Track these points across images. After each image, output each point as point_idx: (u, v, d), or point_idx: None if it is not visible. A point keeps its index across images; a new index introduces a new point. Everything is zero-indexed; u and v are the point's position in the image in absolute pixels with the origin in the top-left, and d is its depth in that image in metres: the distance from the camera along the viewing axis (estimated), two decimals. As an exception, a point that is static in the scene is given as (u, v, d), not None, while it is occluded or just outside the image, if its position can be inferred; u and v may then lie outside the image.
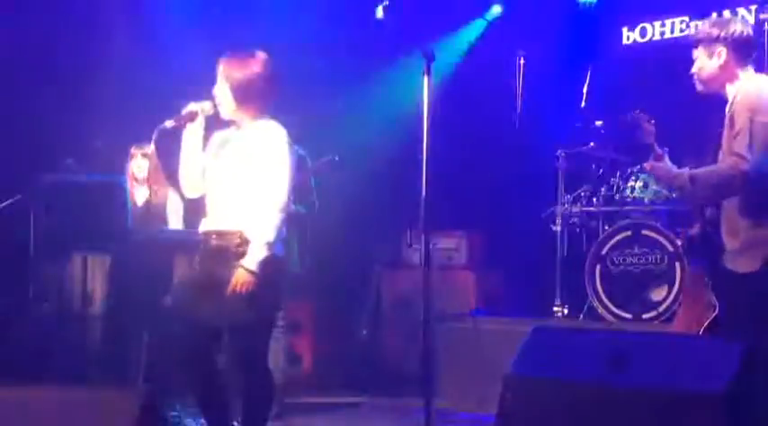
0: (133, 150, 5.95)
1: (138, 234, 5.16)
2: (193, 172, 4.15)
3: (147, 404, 2.96)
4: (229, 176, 4.04)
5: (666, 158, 3.87)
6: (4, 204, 5.61)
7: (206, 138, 4.18)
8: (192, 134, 4.11)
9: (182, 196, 5.06)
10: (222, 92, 4.06)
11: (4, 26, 6.43)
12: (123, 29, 6.96)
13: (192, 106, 4.10)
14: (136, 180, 5.91)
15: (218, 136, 4.18)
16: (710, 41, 3.83)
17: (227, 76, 4.04)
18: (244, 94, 4.04)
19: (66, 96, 6.66)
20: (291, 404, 5.72)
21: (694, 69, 3.90)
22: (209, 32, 6.82)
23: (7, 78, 6.45)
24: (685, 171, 3.82)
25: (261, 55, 4.09)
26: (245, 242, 3.94)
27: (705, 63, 3.86)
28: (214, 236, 4.03)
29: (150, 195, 5.90)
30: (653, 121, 3.89)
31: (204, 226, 4.12)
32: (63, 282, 6.18)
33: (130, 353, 5.45)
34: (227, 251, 3.97)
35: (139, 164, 5.90)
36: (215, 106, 4.10)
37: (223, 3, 7.42)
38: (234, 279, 3.88)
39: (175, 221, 5.87)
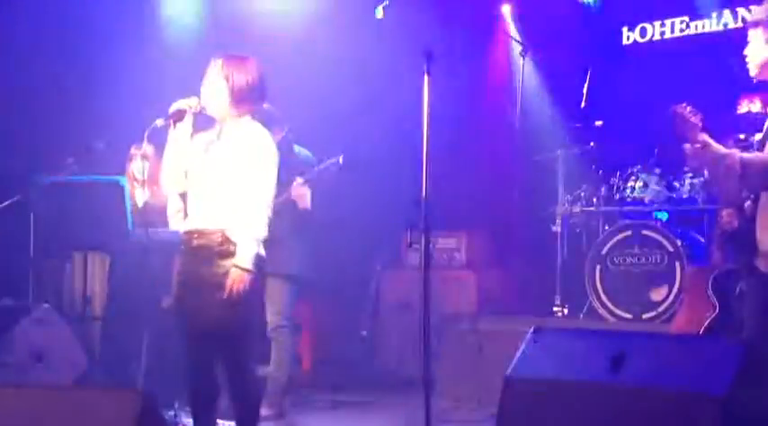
0: (133, 151, 5.94)
1: (138, 234, 5.15)
2: (178, 169, 4.13)
3: (147, 404, 2.96)
4: (216, 176, 4.03)
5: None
6: (4, 204, 5.61)
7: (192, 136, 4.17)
8: (181, 131, 4.11)
9: (182, 196, 5.05)
10: (217, 89, 4.04)
11: (5, 27, 6.43)
12: (123, 28, 6.95)
13: (180, 103, 4.09)
14: (136, 180, 5.90)
15: (201, 138, 4.16)
16: None
17: (227, 75, 4.03)
18: (241, 95, 4.03)
19: (67, 96, 6.66)
20: (291, 404, 5.72)
21: (747, 51, 3.72)
22: (209, 32, 6.82)
23: (8, 78, 6.45)
24: (734, 152, 3.60)
25: (254, 60, 4.11)
26: (226, 240, 3.94)
27: (761, 48, 3.66)
28: (196, 236, 4.02)
29: (150, 196, 5.89)
30: (700, 116, 3.65)
31: (185, 226, 4.12)
32: (63, 282, 6.18)
33: (130, 353, 5.45)
34: (209, 250, 3.96)
35: (139, 164, 5.89)
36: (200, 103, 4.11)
37: (223, 3, 7.43)
38: (229, 281, 3.87)
39: (176, 222, 5.87)
